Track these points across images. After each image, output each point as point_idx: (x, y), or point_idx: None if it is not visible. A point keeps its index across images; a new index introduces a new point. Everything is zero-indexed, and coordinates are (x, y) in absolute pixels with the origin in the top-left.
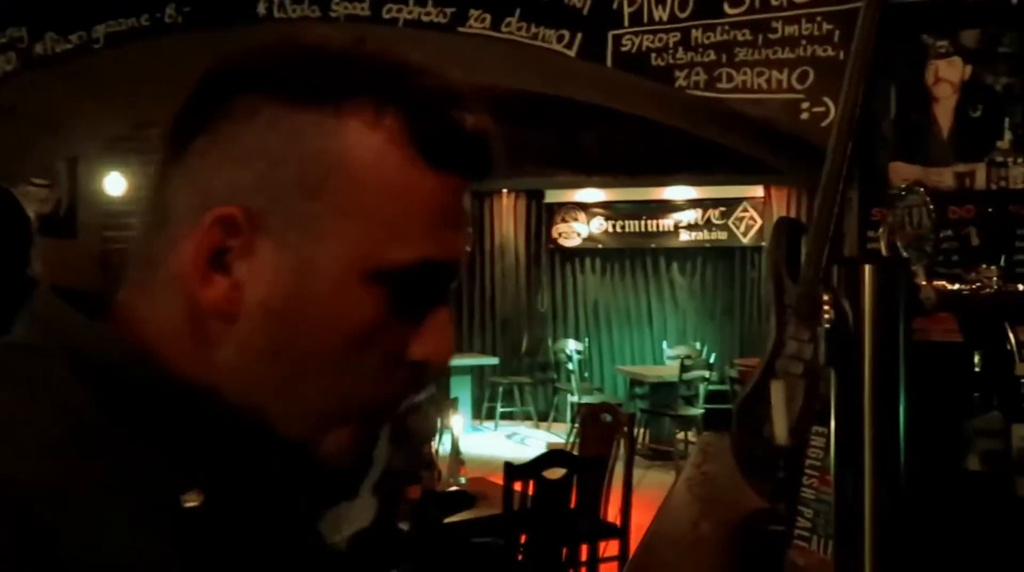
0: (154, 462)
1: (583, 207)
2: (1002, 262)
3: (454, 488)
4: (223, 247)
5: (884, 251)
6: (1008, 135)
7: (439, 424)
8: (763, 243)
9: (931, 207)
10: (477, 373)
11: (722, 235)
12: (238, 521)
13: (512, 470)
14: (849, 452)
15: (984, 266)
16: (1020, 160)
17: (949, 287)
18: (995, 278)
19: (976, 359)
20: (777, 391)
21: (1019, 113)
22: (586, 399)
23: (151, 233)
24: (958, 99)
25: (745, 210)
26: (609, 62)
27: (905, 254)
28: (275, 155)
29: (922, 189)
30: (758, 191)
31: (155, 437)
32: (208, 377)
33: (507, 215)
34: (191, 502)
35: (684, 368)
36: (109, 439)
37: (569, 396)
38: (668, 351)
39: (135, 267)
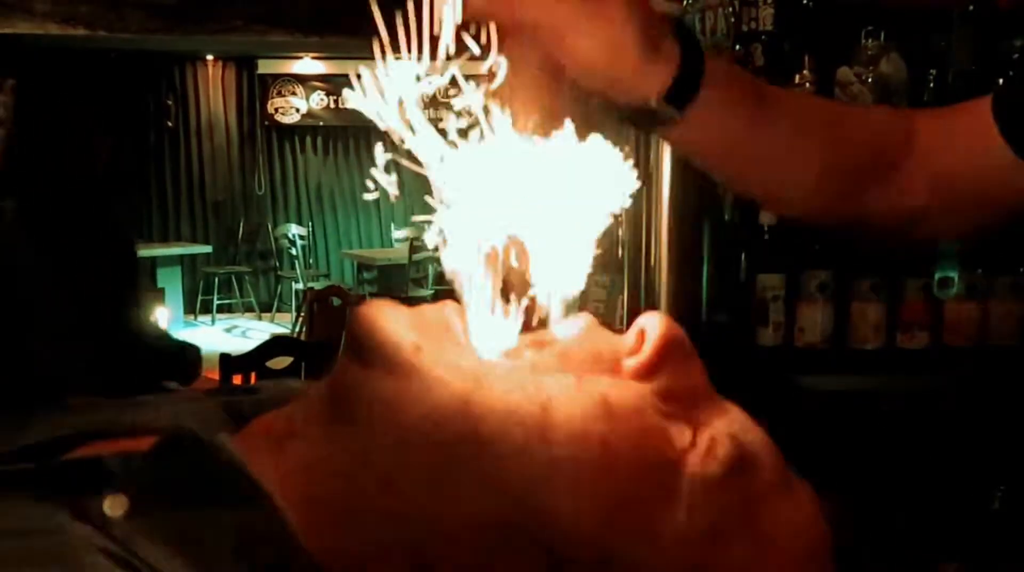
0: None
1: (301, 80)
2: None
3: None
4: None
5: None
6: None
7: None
8: None
9: (732, 8)
10: (188, 263)
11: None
12: None
13: (230, 362)
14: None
15: (802, 72)
16: (770, 1)
17: None
18: (809, 84)
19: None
20: None
21: None
22: (312, 286)
23: None
24: None
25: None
26: None
27: None
28: None
29: None
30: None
31: None
32: None
33: (215, 87)
34: None
35: (413, 249)
36: None
37: (294, 284)
38: (396, 233)
39: None
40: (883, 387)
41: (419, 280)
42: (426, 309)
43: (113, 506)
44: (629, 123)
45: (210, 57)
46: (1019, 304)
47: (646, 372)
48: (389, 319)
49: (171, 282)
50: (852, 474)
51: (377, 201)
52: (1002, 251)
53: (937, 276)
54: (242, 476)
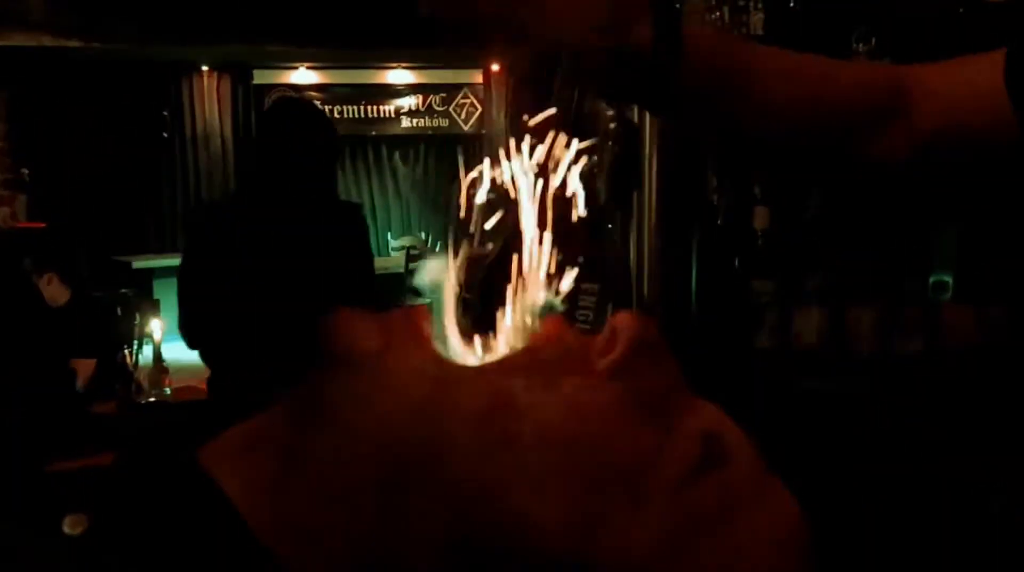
0: None
1: (297, 90)
2: None
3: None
4: None
5: None
6: None
7: (136, 330)
8: (484, 131)
9: (721, 14)
10: None
11: (443, 122)
12: None
13: None
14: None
15: None
16: (760, 6)
17: None
18: None
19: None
20: None
21: None
22: None
23: None
24: None
25: (466, 96)
26: None
27: None
28: None
29: None
30: (478, 77)
31: None
32: None
33: (210, 97)
34: None
35: (410, 258)
36: None
37: None
38: (393, 242)
39: None
40: (879, 391)
41: (416, 289)
42: (394, 313)
43: (72, 524)
44: (616, 90)
45: (205, 68)
46: (1015, 307)
47: (618, 371)
48: (352, 323)
49: (168, 293)
50: (848, 477)
51: (374, 210)
52: (997, 254)
53: (932, 279)
54: (207, 490)
